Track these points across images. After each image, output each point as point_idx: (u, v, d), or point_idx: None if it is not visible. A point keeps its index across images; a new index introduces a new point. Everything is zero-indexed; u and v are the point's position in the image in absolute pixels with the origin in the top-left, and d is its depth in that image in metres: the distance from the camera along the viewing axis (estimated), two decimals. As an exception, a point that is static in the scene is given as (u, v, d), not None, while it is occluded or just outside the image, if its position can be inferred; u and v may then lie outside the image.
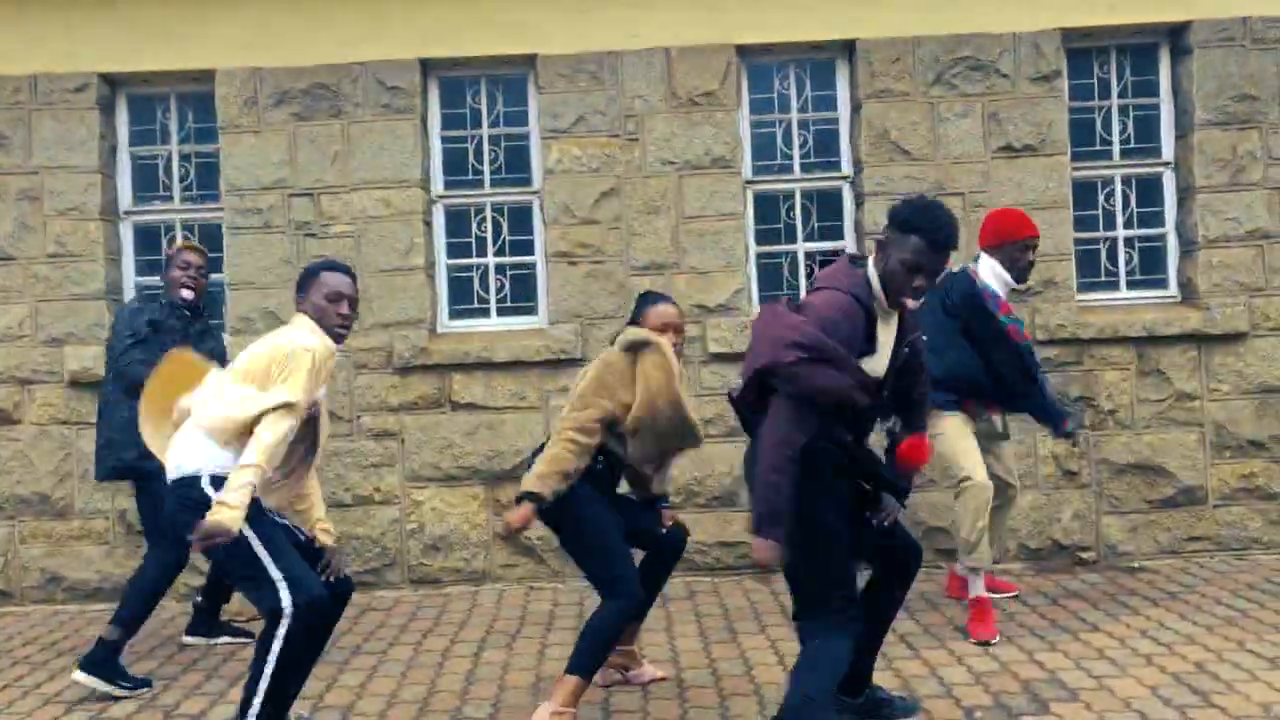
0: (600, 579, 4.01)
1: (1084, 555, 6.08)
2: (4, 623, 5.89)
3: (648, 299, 4.25)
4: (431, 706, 4.24)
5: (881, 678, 4.27)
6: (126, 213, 6.39)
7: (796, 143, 6.37)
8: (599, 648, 3.89)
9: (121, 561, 6.15)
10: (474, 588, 6.13)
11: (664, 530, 4.35)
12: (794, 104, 6.40)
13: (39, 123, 6.20)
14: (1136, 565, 6.01)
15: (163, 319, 4.92)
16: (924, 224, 3.36)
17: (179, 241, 5.54)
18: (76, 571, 6.19)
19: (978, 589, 4.87)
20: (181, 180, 6.43)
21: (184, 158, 6.44)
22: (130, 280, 6.39)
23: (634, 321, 4.20)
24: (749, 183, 6.29)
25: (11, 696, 4.60)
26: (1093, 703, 3.93)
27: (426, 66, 6.26)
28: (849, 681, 3.74)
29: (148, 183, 6.43)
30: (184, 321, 5.00)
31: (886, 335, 3.47)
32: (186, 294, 5.01)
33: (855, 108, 6.27)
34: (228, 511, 3.33)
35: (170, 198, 6.42)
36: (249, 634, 5.19)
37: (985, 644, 4.67)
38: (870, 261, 3.48)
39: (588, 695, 4.07)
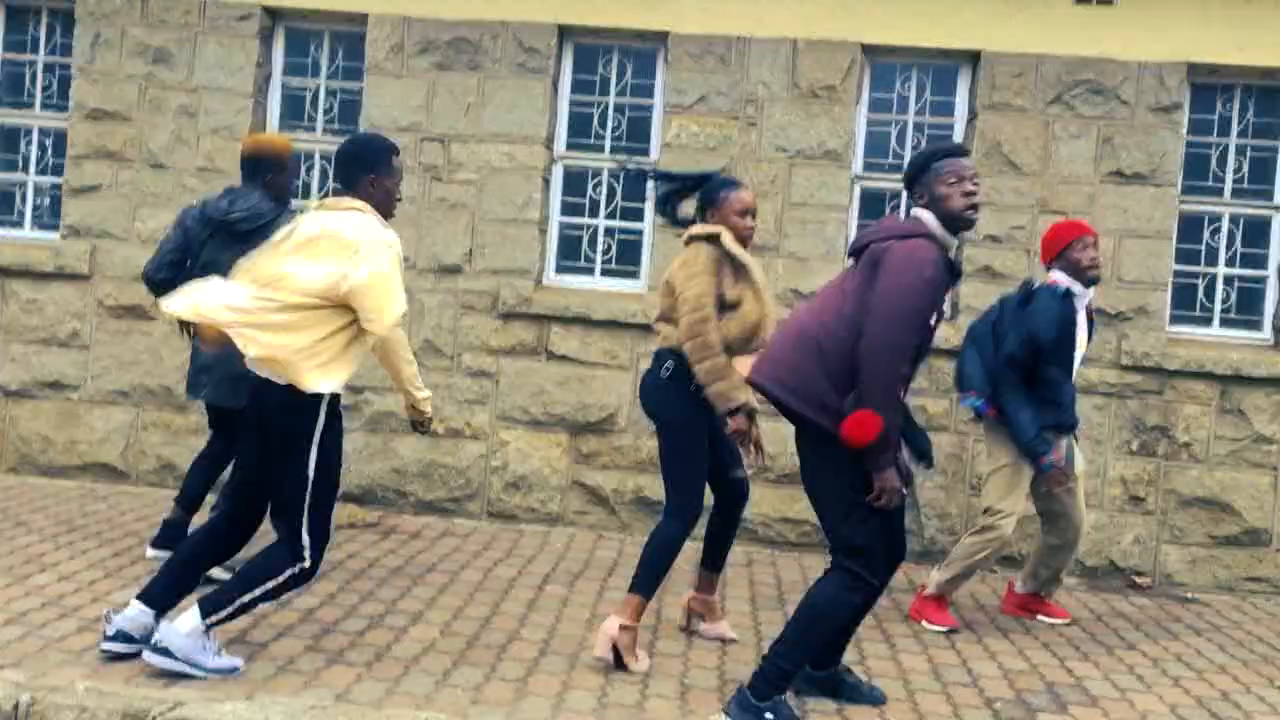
0: (674, 491, 4.22)
1: (1139, 580, 6.17)
2: (120, 499, 6.41)
3: (724, 184, 4.39)
4: (493, 625, 4.58)
5: (913, 660, 4.51)
6: (272, 138, 6.83)
7: (910, 144, 6.52)
8: (658, 568, 4.16)
9: (229, 459, 6.63)
10: (547, 528, 6.47)
11: (739, 474, 4.48)
12: (912, 106, 6.55)
13: (203, 45, 6.66)
14: (1190, 596, 6.08)
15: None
16: (936, 150, 3.62)
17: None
18: (188, 461, 6.62)
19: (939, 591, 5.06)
20: (325, 113, 6.84)
21: (330, 93, 6.84)
22: (268, 201, 6.84)
23: (705, 208, 4.39)
24: (858, 178, 6.47)
25: (122, 563, 5.08)
26: (1110, 711, 4.10)
27: (564, 32, 6.56)
28: (821, 653, 3.90)
29: (295, 112, 6.86)
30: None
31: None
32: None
33: (971, 117, 6.41)
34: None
35: (314, 128, 6.83)
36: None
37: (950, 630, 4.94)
38: (917, 214, 3.66)
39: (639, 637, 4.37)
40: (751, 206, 4.37)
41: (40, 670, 3.63)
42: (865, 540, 3.60)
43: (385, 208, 3.87)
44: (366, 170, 3.84)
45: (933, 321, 3.59)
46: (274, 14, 6.74)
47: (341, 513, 6.27)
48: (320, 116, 6.84)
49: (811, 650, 3.65)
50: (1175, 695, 4.34)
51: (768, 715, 3.56)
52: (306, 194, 6.76)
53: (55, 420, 6.74)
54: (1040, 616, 5.29)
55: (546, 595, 5.09)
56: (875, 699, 3.98)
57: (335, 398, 3.77)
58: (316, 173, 6.80)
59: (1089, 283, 4.94)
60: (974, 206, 3.60)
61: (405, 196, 6.51)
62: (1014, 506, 4.97)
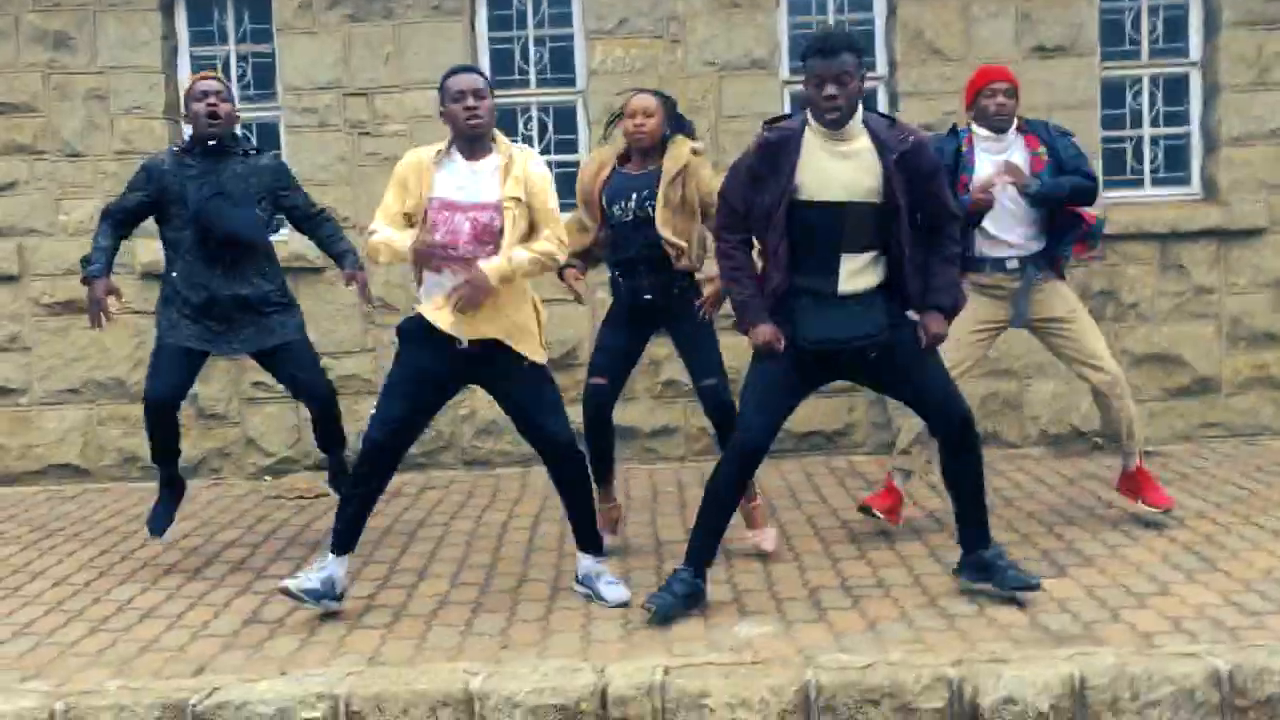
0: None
1: (1099, 441, 6.39)
2: (87, 498, 6.29)
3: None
4: (499, 570, 4.62)
5: (913, 548, 4.63)
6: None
7: (834, 44, 6.53)
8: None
9: (195, 442, 6.51)
10: (523, 469, 6.47)
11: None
12: (830, 5, 6.55)
13: (103, 24, 6.42)
14: (1151, 450, 6.29)
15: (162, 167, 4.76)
16: (807, 45, 3.77)
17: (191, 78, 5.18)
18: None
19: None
20: (239, 80, 6.66)
21: (241, 58, 6.66)
22: (194, 177, 6.66)
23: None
24: (786, 83, 6.46)
25: (111, 560, 5.02)
26: (1106, 568, 4.27)
27: (475, -32, 6.44)
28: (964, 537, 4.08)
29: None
30: (208, 160, 4.73)
31: (832, 159, 3.76)
32: (212, 120, 4.69)
33: (891, 11, 6.43)
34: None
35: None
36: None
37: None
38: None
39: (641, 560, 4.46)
40: (637, 108, 4.52)
41: (64, 677, 3.58)
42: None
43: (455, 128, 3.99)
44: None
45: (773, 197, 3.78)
46: (173, -17, 6.52)
47: (315, 481, 6.23)
48: (234, 83, 6.62)
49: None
50: (1163, 545, 4.53)
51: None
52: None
53: (7, 427, 6.57)
54: (1138, 500, 4.91)
55: (541, 535, 5.13)
56: (1028, 583, 3.95)
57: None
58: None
59: (995, 128, 4.79)
60: (833, 108, 3.70)
61: (336, 156, 6.39)
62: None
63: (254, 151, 4.90)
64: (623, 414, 6.38)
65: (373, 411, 4.06)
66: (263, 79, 6.64)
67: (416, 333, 4.04)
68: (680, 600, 3.91)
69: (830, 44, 3.71)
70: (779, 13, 6.43)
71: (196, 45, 6.63)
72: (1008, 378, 6.41)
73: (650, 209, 4.50)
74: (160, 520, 4.92)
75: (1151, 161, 6.59)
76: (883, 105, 6.53)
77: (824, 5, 6.55)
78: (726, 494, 4.00)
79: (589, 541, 4.27)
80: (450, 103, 3.94)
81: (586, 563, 4.27)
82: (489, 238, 3.92)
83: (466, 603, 4.23)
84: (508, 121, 6.58)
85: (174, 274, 4.78)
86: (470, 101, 3.91)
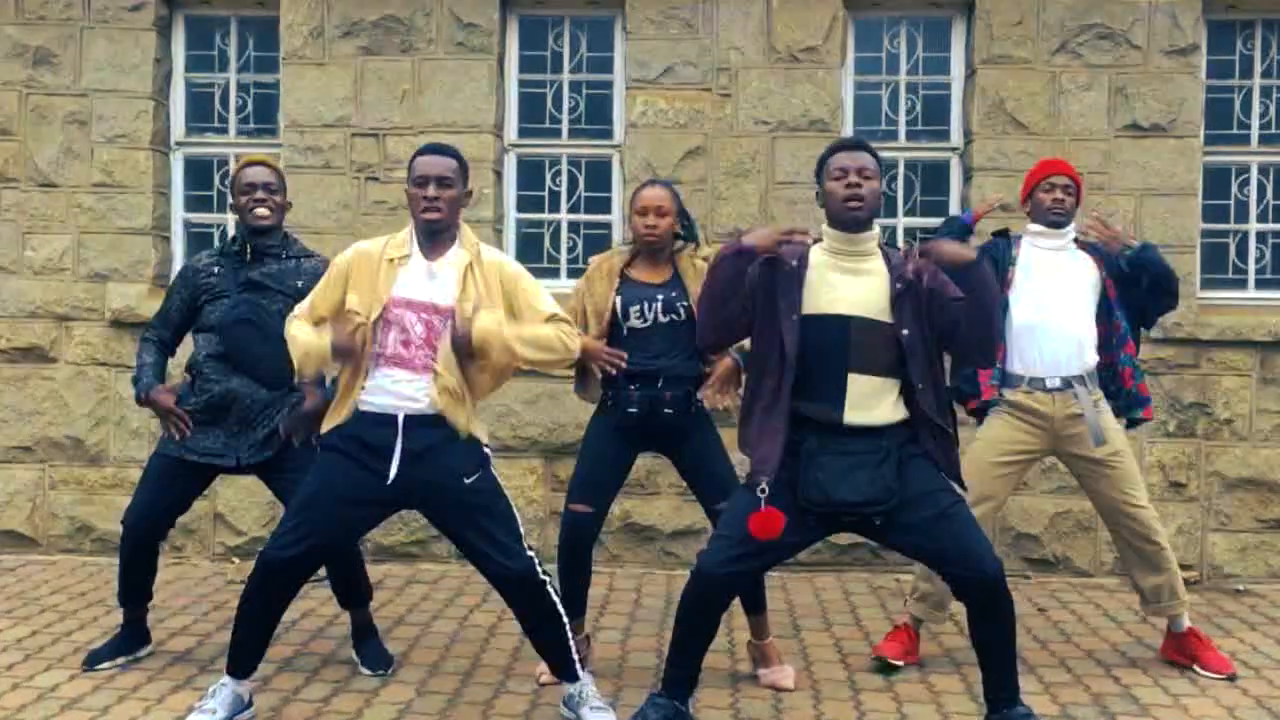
0: None
1: (1186, 574, 6.71)
2: (29, 570, 6.75)
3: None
4: (475, 679, 4.97)
5: (947, 682, 5.01)
6: (179, 143, 7.20)
7: (903, 108, 7.04)
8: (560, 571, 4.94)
9: (155, 513, 7.02)
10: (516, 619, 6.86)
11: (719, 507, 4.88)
12: (903, 65, 7.06)
13: (90, 42, 7.01)
14: (1241, 588, 6.67)
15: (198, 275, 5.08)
16: (826, 149, 4.25)
17: (237, 160, 5.45)
18: (106, 522, 7.00)
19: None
20: (239, 112, 7.22)
21: (242, 88, 7.23)
22: (179, 216, 7.23)
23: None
24: (848, 149, 6.95)
25: (42, 642, 5.40)
26: (1162, 719, 4.64)
27: (507, 3, 6.99)
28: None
29: (202, 113, 7.24)
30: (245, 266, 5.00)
31: (842, 274, 4.14)
32: (262, 214, 4.95)
33: (970, 73, 6.93)
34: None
35: (225, 130, 7.22)
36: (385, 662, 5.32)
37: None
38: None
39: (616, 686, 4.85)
40: (650, 204, 4.89)
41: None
42: None
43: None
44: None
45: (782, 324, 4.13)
46: (171, 2, 7.11)
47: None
48: (233, 116, 7.22)
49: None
50: (1232, 697, 4.87)
51: None
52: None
53: (-51, 484, 7.09)
54: (1196, 667, 5.17)
55: (529, 642, 5.47)
56: None
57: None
58: (215, 177, 7.20)
59: (1050, 224, 5.18)
60: (857, 199, 4.09)
61: (339, 201, 6.93)
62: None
63: (302, 257, 5.09)
64: (642, 511, 6.85)
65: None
66: (264, 112, 7.21)
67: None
68: None
69: (853, 141, 4.25)
70: (843, 70, 6.95)
71: (193, 71, 7.22)
72: (1082, 495, 6.72)
73: (683, 309, 4.85)
74: (101, 655, 5.09)
75: (1257, 260, 7.02)
76: (955, 179, 7.02)
77: (895, 64, 7.07)
78: (688, 622, 4.29)
79: (565, 671, 4.48)
80: (412, 186, 4.29)
81: (569, 687, 4.49)
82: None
83: (430, 714, 4.58)
84: (535, 174, 7.12)
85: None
86: (431, 191, 4.22)
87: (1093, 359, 5.14)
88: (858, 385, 4.10)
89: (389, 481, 4.20)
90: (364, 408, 4.25)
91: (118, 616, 5.61)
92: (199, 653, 5.30)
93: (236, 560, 6.92)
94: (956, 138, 7.02)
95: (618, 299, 4.92)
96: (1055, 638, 5.66)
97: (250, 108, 7.24)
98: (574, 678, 4.47)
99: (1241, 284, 7.02)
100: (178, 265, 7.18)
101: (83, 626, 5.64)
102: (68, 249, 7.03)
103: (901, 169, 7.04)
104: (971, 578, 4.06)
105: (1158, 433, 6.76)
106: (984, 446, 5.12)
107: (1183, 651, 5.24)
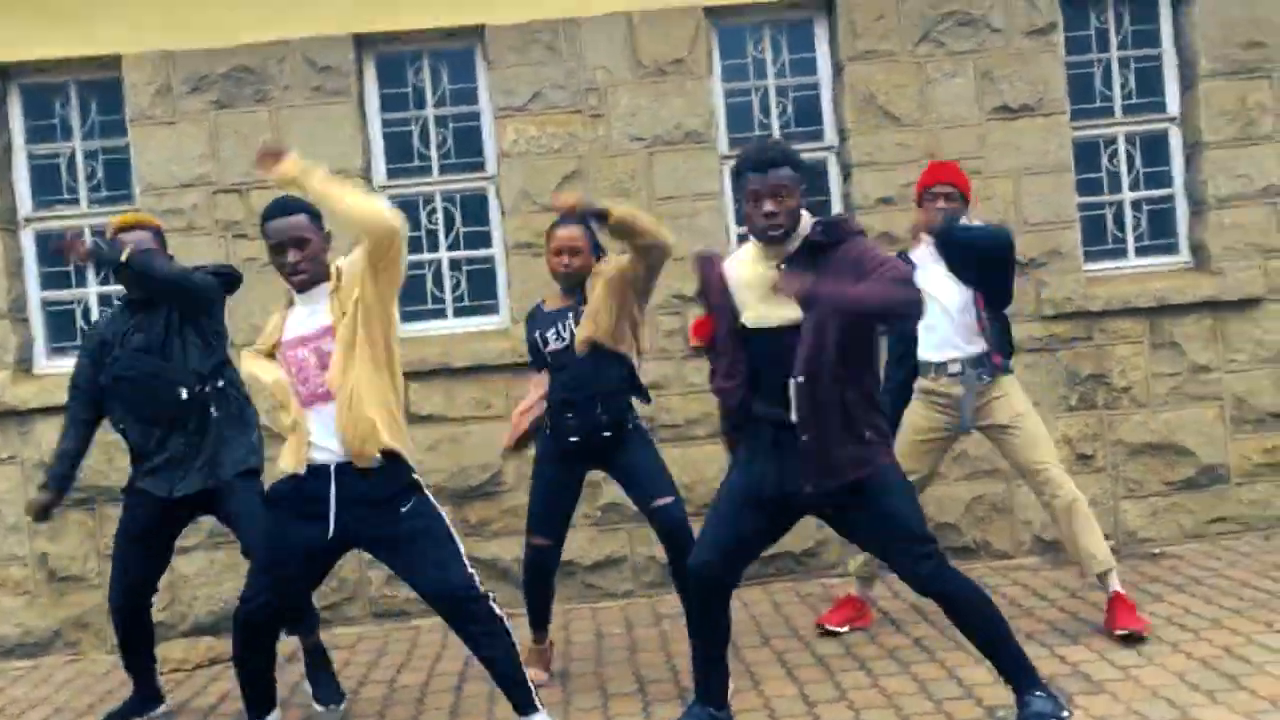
0: None
1: (1103, 545, 6.85)
2: None
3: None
4: (427, 745, 4.85)
5: (898, 683, 4.98)
6: (27, 219, 6.90)
7: (775, 111, 7.06)
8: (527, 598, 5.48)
9: (45, 612, 6.68)
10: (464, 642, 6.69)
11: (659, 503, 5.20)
12: (770, 69, 7.07)
13: (-79, 121, 6.69)
14: (1158, 551, 6.80)
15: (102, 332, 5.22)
16: (741, 159, 4.33)
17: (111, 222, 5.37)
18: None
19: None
20: (88, 180, 6.94)
21: (89, 155, 6.96)
22: (36, 295, 6.91)
23: None
24: (725, 158, 6.93)
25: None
26: (1119, 693, 4.65)
27: (361, 43, 6.84)
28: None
29: (49, 185, 6.94)
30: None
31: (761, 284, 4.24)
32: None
33: (837, 71, 6.96)
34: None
35: (76, 200, 6.93)
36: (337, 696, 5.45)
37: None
38: None
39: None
40: (564, 244, 5.15)
41: None
42: None
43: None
44: None
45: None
46: (4, 72, 6.82)
47: (195, 650, 6.40)
48: (83, 185, 6.95)
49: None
50: (1178, 661, 4.94)
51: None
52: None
53: None
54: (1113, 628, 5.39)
55: (468, 697, 5.36)
56: None
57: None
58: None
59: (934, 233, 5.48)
60: (773, 225, 4.21)
61: (207, 261, 6.64)
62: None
63: None
64: (559, 547, 6.70)
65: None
66: (116, 177, 6.93)
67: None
68: None
69: (767, 156, 4.23)
70: (711, 79, 6.93)
71: (35, 142, 6.91)
72: (994, 479, 6.86)
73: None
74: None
75: (1135, 229, 7.18)
76: (834, 177, 7.04)
77: (762, 69, 7.07)
78: (699, 632, 4.48)
79: (521, 701, 4.38)
80: (271, 255, 4.35)
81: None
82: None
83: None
84: (410, 214, 6.91)
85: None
86: (290, 257, 4.27)
87: (978, 344, 5.48)
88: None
89: (330, 535, 4.30)
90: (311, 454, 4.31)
91: None
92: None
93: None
94: (831, 136, 7.05)
95: (536, 333, 5.26)
96: (993, 624, 5.68)
97: (100, 174, 6.96)
98: (530, 709, 4.35)
99: (1122, 253, 7.17)
100: (40, 347, 6.88)
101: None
102: (-82, 343, 6.67)
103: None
104: (916, 588, 4.29)
105: (1060, 407, 6.87)
106: (903, 431, 5.58)
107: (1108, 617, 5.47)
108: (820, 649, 5.53)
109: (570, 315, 5.17)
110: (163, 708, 5.37)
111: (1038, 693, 4.24)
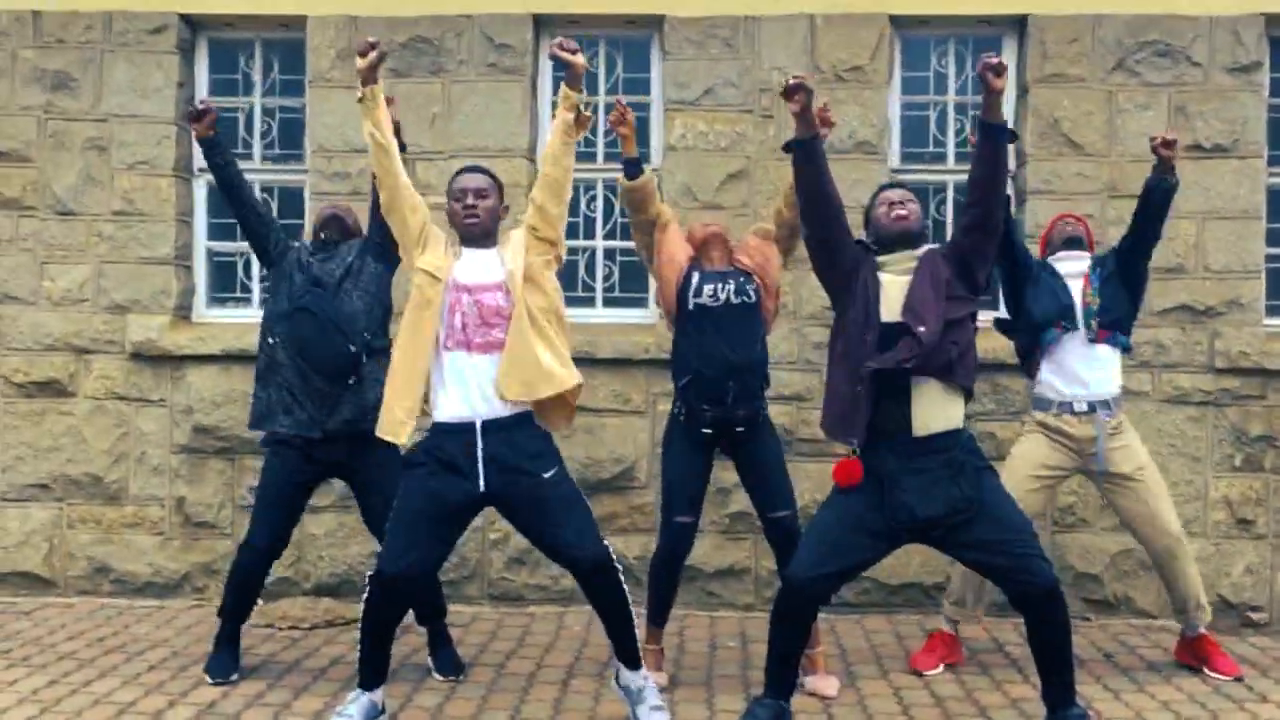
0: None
1: (1254, 616, 6.42)
2: (46, 614, 6.49)
3: None
4: (521, 732, 4.71)
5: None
6: (201, 170, 6.95)
7: (952, 129, 6.78)
8: (652, 586, 5.42)
9: (176, 555, 6.76)
10: (560, 609, 6.60)
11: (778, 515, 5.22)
12: (952, 85, 6.80)
13: (111, 65, 6.79)
14: (1319, 636, 6.36)
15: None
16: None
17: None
18: (126, 563, 6.79)
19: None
20: (263, 137, 7.00)
21: (267, 112, 7.01)
22: (202, 244, 6.99)
23: None
24: (895, 171, 6.68)
25: (59, 694, 5.13)
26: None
27: (540, 22, 6.76)
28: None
29: (226, 137, 6.93)
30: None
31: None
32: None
33: (1022, 93, 6.65)
34: None
35: (250, 155, 6.97)
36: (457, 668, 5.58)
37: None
38: None
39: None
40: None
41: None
42: None
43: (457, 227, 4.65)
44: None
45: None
46: (194, 24, 6.88)
47: (315, 608, 6.40)
48: (257, 141, 7.00)
49: None
50: (1325, 752, 4.57)
51: None
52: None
53: (-37, 523, 6.84)
54: (1206, 670, 5.51)
55: (574, 693, 5.22)
56: None
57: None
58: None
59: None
60: (899, 217, 4.53)
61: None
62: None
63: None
64: (683, 551, 6.53)
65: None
66: (290, 137, 6.97)
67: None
68: None
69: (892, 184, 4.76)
70: (890, 89, 6.68)
71: (216, 95, 6.97)
72: (1144, 533, 6.47)
73: (753, 292, 5.13)
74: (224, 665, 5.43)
75: (1323, 287, 6.73)
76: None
77: (943, 84, 6.80)
78: (781, 636, 4.53)
79: (629, 658, 4.63)
80: (452, 204, 4.62)
81: (628, 674, 4.64)
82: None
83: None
84: (572, 200, 6.80)
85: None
86: (470, 200, 4.58)
87: (1113, 385, 5.52)
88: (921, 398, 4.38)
89: (480, 491, 4.45)
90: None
91: (138, 664, 5.51)
92: (224, 706, 4.99)
93: (260, 602, 6.58)
94: (1009, 160, 6.71)
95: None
96: (1126, 686, 5.33)
97: (275, 132, 7.00)
98: (636, 665, 4.63)
99: (1308, 311, 6.73)
100: (201, 295, 6.97)
101: (102, 675, 5.36)
102: (87, 279, 6.78)
103: (950, 192, 6.76)
104: (1033, 583, 4.31)
105: (1223, 466, 6.46)
106: (1017, 465, 5.51)
107: (1194, 655, 5.57)
108: (939, 690, 5.27)
109: (744, 277, 5.16)
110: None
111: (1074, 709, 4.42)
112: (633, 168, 5.17)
